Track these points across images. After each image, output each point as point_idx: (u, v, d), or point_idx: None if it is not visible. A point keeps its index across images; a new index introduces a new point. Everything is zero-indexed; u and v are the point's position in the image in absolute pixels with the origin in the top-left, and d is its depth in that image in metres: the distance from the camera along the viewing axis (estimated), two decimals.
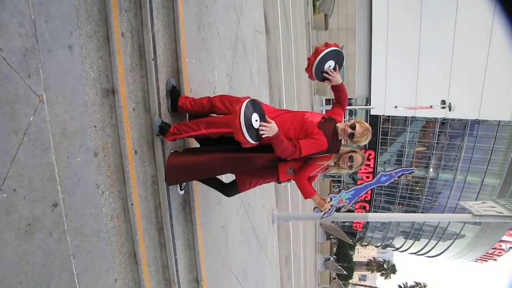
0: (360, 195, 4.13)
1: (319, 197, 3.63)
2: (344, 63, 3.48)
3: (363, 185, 4.14)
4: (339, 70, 3.41)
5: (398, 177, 3.98)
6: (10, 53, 1.90)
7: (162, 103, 3.32)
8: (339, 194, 3.98)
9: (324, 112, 3.54)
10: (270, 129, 2.86)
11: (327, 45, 3.34)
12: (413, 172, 4.04)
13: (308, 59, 3.38)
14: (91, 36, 2.64)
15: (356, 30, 30.10)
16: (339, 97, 3.50)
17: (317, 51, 3.32)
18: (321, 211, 3.73)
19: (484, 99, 26.18)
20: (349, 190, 4.07)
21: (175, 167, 3.31)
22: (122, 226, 2.96)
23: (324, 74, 3.37)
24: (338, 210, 4.06)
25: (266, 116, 2.93)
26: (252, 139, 2.80)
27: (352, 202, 4.09)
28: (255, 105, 2.86)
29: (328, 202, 3.70)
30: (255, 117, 2.82)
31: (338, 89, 3.46)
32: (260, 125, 2.85)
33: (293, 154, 3.06)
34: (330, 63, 3.35)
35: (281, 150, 3.00)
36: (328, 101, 33.69)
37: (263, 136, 2.86)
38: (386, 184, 4.06)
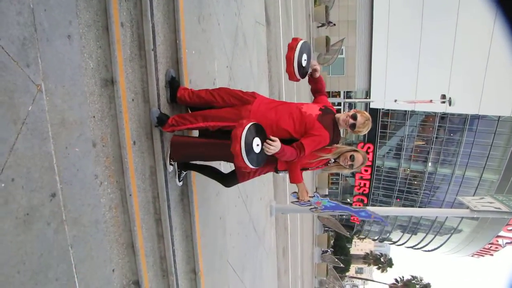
0: (337, 211, 4.53)
1: (304, 186, 3.69)
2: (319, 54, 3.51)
3: (345, 206, 4.63)
4: (310, 59, 3.44)
5: (373, 221, 4.50)
6: (9, 42, 1.88)
7: (161, 94, 3.30)
8: (322, 198, 4.15)
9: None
10: (274, 148, 2.86)
11: (291, 48, 3.32)
12: (386, 226, 4.55)
13: (287, 71, 3.39)
14: (90, 25, 2.62)
15: (357, 22, 29.96)
16: (321, 87, 3.55)
17: (289, 60, 3.31)
18: (298, 198, 3.81)
19: (485, 94, 26.16)
20: (332, 201, 4.31)
21: (180, 142, 3.36)
22: (120, 217, 2.97)
23: (309, 73, 3.43)
24: (311, 208, 4.28)
25: (270, 136, 2.92)
26: (252, 164, 2.79)
27: (324, 211, 4.34)
28: (258, 129, 2.84)
29: (309, 196, 3.76)
30: (256, 141, 2.80)
31: (317, 81, 3.50)
32: (263, 147, 2.84)
33: (299, 155, 3.10)
34: (305, 57, 3.36)
35: (286, 157, 3.05)
36: (327, 94, 33.58)
37: (268, 154, 2.88)
38: (360, 218, 4.57)
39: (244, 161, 2.73)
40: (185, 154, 3.49)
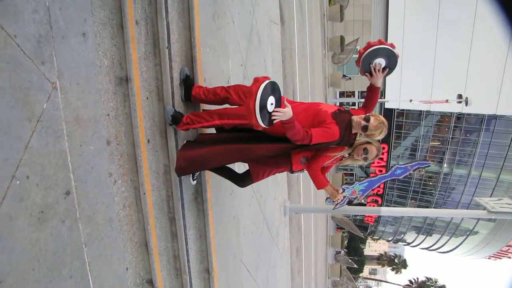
0: (374, 187, 4.01)
1: (331, 188, 3.60)
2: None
3: (377, 177, 4.02)
4: (387, 74, 3.37)
5: (414, 170, 3.87)
6: (24, 39, 1.88)
7: (175, 92, 3.29)
8: (352, 186, 3.89)
9: (338, 105, 3.50)
10: (283, 114, 2.78)
11: (380, 42, 3.29)
12: (429, 166, 3.94)
13: (359, 51, 3.36)
14: (105, 23, 2.61)
15: (371, 22, 29.72)
16: (369, 99, 3.46)
17: (368, 46, 3.29)
18: (333, 202, 3.69)
19: (502, 94, 25.72)
20: (362, 182, 3.97)
21: (187, 158, 3.27)
22: (134, 215, 2.96)
23: (371, 66, 3.32)
24: (350, 202, 3.98)
25: (284, 99, 2.86)
26: (263, 123, 2.73)
27: (365, 194, 3.99)
28: (274, 88, 2.78)
29: (341, 193, 3.66)
30: (271, 100, 2.74)
31: (372, 90, 3.43)
32: (274, 110, 2.78)
33: (304, 139, 2.99)
34: (381, 61, 3.29)
35: (292, 133, 2.93)
36: (342, 94, 33.43)
37: (274, 121, 2.80)
38: (400, 177, 3.96)
39: (256, 118, 2.68)
40: (193, 171, 3.49)
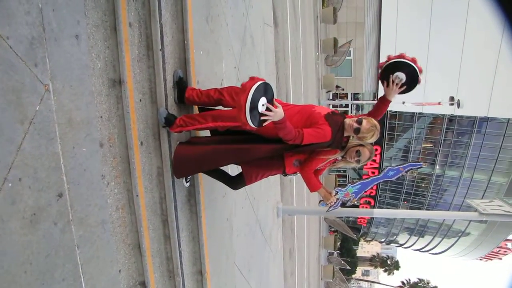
0: (367, 189, 4.03)
1: (324, 190, 3.62)
2: (410, 90, 3.35)
3: (369, 179, 4.04)
4: (405, 92, 3.35)
5: (406, 172, 3.89)
6: (17, 41, 1.88)
7: (169, 94, 3.29)
8: (345, 188, 3.92)
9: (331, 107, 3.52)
10: (274, 115, 2.74)
11: (404, 56, 3.28)
12: (421, 167, 3.97)
13: (379, 65, 3.38)
14: (99, 25, 2.61)
15: (365, 23, 29.84)
16: (377, 109, 3.46)
17: (390, 58, 3.30)
18: (327, 204, 3.70)
19: (494, 96, 25.93)
20: (355, 184, 3.99)
21: (183, 160, 3.29)
22: (127, 217, 2.96)
23: (391, 76, 3.28)
24: (343, 204, 4.00)
25: (274, 101, 2.83)
26: (253, 123, 2.70)
27: (358, 196, 4.02)
28: (267, 89, 2.76)
29: (334, 195, 3.68)
30: (262, 101, 2.71)
31: (383, 101, 3.42)
32: (266, 109, 2.75)
33: (295, 138, 2.97)
34: (402, 76, 3.26)
35: (284, 133, 2.91)
36: (335, 96, 33.54)
37: (264, 123, 2.77)
38: (393, 179, 3.97)
39: (245, 116, 2.64)
40: (189, 173, 3.49)
